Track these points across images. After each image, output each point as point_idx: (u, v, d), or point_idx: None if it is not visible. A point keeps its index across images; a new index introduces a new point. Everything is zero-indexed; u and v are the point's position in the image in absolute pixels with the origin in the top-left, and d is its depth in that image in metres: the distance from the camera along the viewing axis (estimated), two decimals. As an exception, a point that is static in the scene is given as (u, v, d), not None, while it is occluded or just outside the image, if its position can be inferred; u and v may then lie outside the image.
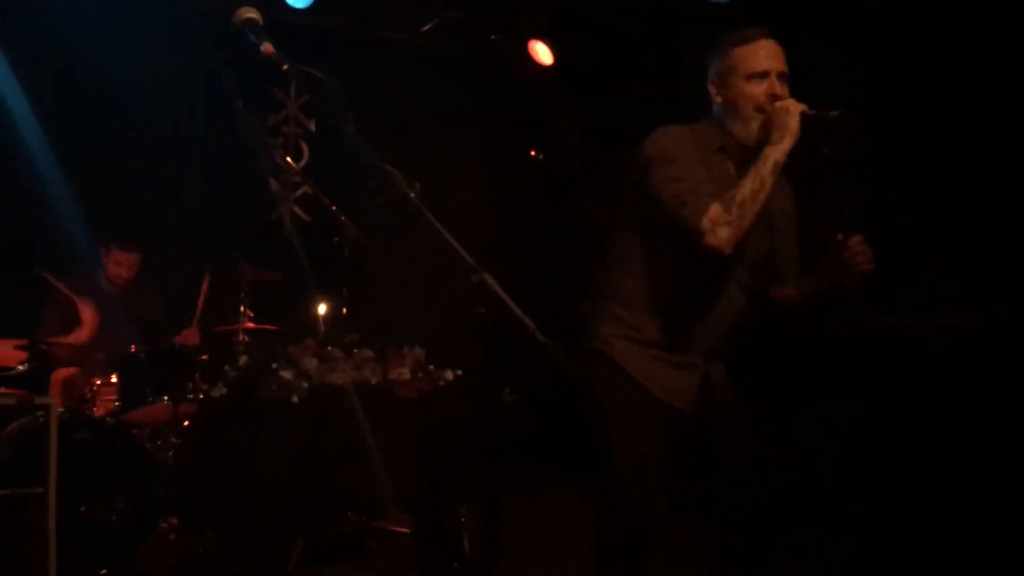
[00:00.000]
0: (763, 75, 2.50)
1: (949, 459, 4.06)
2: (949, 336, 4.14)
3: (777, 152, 2.40)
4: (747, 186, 2.39)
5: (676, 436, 2.56)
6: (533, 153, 6.73)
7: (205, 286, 4.94)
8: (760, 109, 2.48)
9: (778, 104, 2.46)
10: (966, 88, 4.27)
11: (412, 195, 1.97)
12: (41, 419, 3.51)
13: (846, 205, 2.69)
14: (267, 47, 2.04)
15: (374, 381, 4.28)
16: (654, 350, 2.57)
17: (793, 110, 2.42)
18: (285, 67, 2.04)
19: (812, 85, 2.58)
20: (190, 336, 4.80)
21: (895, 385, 4.25)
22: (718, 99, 2.58)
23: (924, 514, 4.08)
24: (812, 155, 2.43)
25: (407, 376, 4.34)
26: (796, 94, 2.50)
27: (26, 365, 3.91)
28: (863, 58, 4.55)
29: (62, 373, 4.44)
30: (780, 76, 2.51)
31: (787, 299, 2.70)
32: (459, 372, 4.45)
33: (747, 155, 2.49)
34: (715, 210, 2.38)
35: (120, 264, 4.83)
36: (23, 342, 3.92)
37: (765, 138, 2.45)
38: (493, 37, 6.22)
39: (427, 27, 6.08)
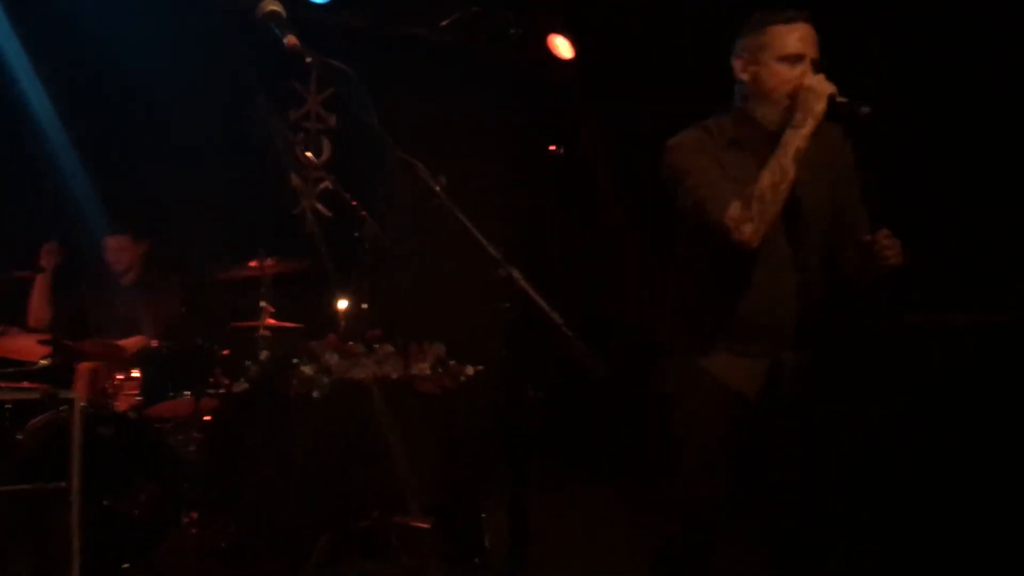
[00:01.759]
0: (798, 58, 2.41)
1: (989, 457, 4.00)
2: (988, 331, 4.07)
3: (798, 138, 2.34)
4: (766, 178, 2.34)
5: (745, 425, 2.51)
6: (553, 148, 6.70)
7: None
8: (791, 96, 2.40)
9: (807, 81, 2.37)
10: (997, 76, 4.20)
11: (438, 188, 1.96)
12: (65, 413, 3.54)
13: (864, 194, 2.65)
14: (290, 39, 2.03)
15: (395, 376, 4.27)
16: (722, 342, 2.52)
17: (821, 91, 2.34)
18: (308, 59, 2.03)
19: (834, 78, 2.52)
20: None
21: (933, 383, 4.20)
22: (744, 76, 2.49)
23: (961, 512, 4.02)
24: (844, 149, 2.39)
25: (428, 371, 4.33)
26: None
27: (49, 360, 3.92)
28: (886, 52, 4.50)
29: (87, 365, 4.46)
30: (813, 63, 2.43)
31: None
32: (480, 368, 4.44)
33: (767, 139, 2.43)
34: (735, 208, 2.35)
35: (111, 250, 4.85)
36: (47, 336, 3.94)
37: (788, 119, 2.38)
38: (512, 32, 6.19)
39: (446, 22, 6.06)
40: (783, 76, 2.42)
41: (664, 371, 2.61)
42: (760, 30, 2.46)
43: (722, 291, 2.52)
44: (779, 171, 2.34)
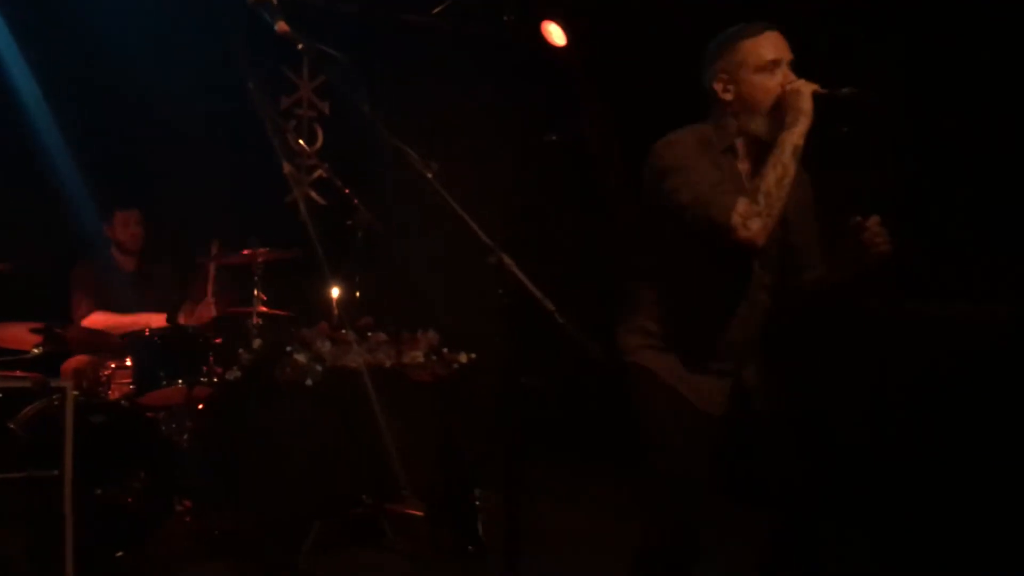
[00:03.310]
0: (775, 64, 2.45)
1: (990, 450, 4.00)
2: (989, 324, 4.08)
3: (794, 136, 2.36)
4: (770, 175, 2.35)
5: (715, 442, 2.53)
6: (550, 137, 6.69)
7: (212, 268, 4.93)
8: (777, 102, 2.43)
9: (789, 87, 2.41)
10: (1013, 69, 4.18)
11: (429, 174, 1.95)
12: (57, 402, 3.53)
13: (865, 186, 2.65)
14: (281, 25, 2.01)
15: (388, 364, 4.27)
16: (682, 358, 2.53)
17: (805, 91, 2.38)
18: (300, 46, 2.02)
19: (850, 69, 2.52)
20: (206, 309, 4.79)
21: (933, 374, 4.20)
22: (727, 96, 2.50)
23: (963, 505, 4.03)
24: (831, 136, 2.39)
25: (421, 359, 4.33)
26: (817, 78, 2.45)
27: (41, 348, 3.91)
28: (903, 40, 4.47)
29: (72, 363, 4.46)
30: (789, 65, 2.46)
31: (815, 284, 2.63)
32: (473, 355, 4.44)
33: (764, 151, 2.44)
34: (743, 204, 2.34)
35: (125, 224, 4.86)
36: (39, 325, 3.92)
37: (780, 125, 2.40)
38: (506, 18, 6.17)
39: (440, 8, 6.03)
40: (766, 85, 2.45)
41: (630, 380, 2.60)
42: (731, 49, 2.49)
43: (685, 304, 2.54)
44: (780, 167, 2.35)
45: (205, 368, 4.36)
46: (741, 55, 2.47)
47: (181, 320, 4.56)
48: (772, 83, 2.44)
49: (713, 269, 2.47)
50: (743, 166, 2.53)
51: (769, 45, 2.46)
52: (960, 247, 4.27)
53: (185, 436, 4.35)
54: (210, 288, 4.86)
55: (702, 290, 2.52)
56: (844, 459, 4.20)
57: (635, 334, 2.60)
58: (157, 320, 4.54)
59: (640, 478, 2.57)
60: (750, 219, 2.33)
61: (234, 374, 4.25)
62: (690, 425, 2.50)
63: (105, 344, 4.39)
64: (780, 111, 2.42)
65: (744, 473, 2.64)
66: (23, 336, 3.90)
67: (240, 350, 4.31)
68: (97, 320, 4.66)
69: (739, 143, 2.53)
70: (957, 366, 4.09)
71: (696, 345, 2.53)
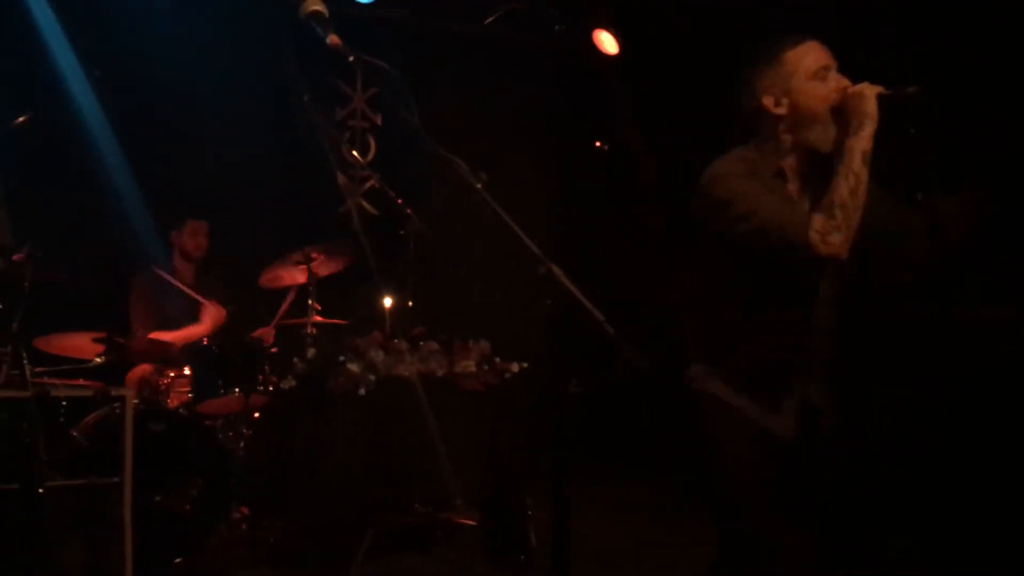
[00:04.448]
0: (826, 69, 2.38)
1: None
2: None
3: (861, 141, 2.28)
4: (843, 186, 2.27)
5: (783, 466, 2.46)
6: (598, 144, 6.66)
7: (291, 295, 5.03)
8: (835, 109, 2.35)
9: (851, 90, 2.33)
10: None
11: (478, 185, 1.95)
12: (117, 410, 3.60)
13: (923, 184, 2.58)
14: (333, 38, 2.03)
15: (440, 373, 4.29)
16: (748, 383, 2.47)
17: (868, 93, 2.29)
18: (351, 58, 2.03)
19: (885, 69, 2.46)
20: (266, 335, 4.87)
21: (982, 377, 4.09)
22: (780, 111, 2.42)
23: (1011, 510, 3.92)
24: (899, 139, 2.32)
25: (473, 368, 4.34)
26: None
27: (103, 357, 3.99)
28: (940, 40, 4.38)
29: (138, 372, 4.54)
30: (836, 70, 2.40)
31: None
32: (525, 364, 4.43)
33: (816, 166, 2.39)
34: (818, 220, 2.27)
35: (195, 233, 4.96)
36: (100, 335, 4.01)
37: (843, 132, 2.33)
38: (558, 28, 6.17)
39: (491, 19, 6.06)
40: (820, 93, 2.37)
41: (697, 409, 2.55)
42: (775, 62, 2.41)
43: (747, 332, 2.48)
44: (852, 176, 2.28)
45: (261, 377, 4.42)
46: (790, 66, 2.39)
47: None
48: (826, 90, 2.37)
49: (775, 290, 2.41)
50: (793, 187, 2.45)
51: (814, 53, 2.40)
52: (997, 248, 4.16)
53: (241, 444, 4.42)
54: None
55: (764, 312, 2.45)
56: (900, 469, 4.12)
57: (703, 362, 2.55)
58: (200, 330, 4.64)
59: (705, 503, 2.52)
60: (829, 234, 2.25)
61: (289, 383, 4.30)
62: (757, 451, 2.44)
63: (165, 354, 4.48)
64: (840, 118, 2.35)
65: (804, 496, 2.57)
66: (85, 345, 3.99)
67: (295, 359, 4.36)
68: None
69: (787, 164, 2.45)
70: (1003, 373, 3.99)
71: (761, 368, 2.46)
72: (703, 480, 2.54)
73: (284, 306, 5.04)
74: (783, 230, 2.30)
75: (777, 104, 2.42)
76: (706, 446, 2.54)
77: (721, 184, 2.41)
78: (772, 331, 2.46)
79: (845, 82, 2.38)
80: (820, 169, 2.38)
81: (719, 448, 2.50)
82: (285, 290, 5.13)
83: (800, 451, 2.46)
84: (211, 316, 4.72)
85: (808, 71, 2.38)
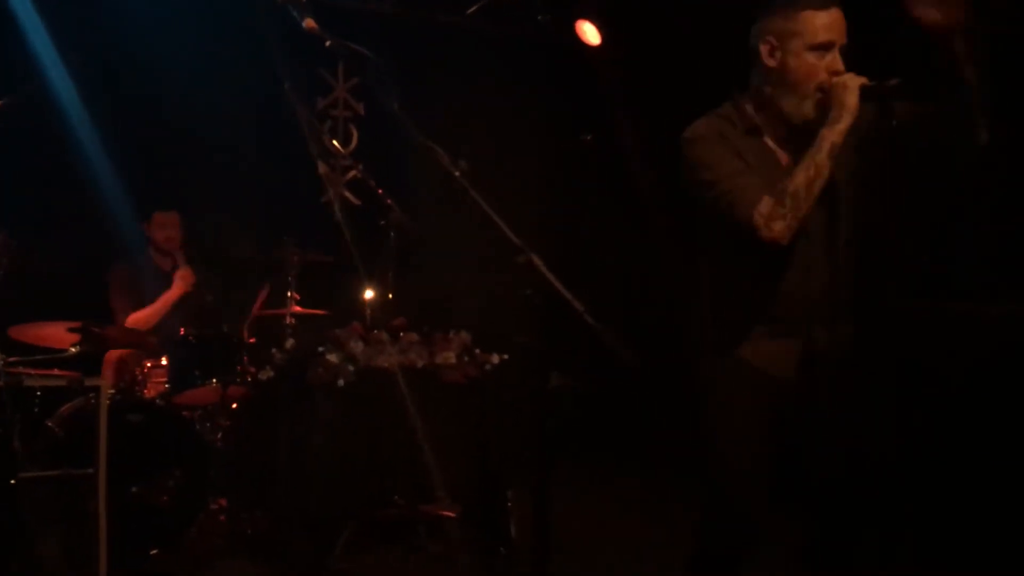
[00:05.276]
0: (827, 47, 2.33)
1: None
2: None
3: (834, 133, 2.28)
4: (800, 176, 2.28)
5: (785, 411, 2.43)
6: (585, 137, 6.64)
7: (265, 293, 4.97)
8: (821, 88, 2.33)
9: (836, 79, 2.31)
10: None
11: (457, 173, 1.92)
12: (92, 400, 3.56)
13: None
14: (309, 23, 2.00)
15: (420, 365, 4.26)
16: (754, 329, 2.44)
17: (852, 84, 2.28)
18: (328, 43, 2.01)
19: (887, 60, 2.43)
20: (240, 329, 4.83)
21: (974, 374, 4.10)
22: (770, 62, 2.38)
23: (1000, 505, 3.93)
24: (882, 131, 2.30)
25: (453, 360, 4.32)
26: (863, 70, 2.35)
27: (78, 347, 3.94)
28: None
29: (115, 354, 4.50)
30: (841, 50, 2.35)
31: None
32: (506, 356, 4.42)
33: (790, 131, 2.39)
34: (766, 204, 2.28)
35: (164, 225, 4.87)
36: (76, 324, 3.96)
37: (820, 118, 2.31)
38: (540, 18, 6.14)
39: (474, 8, 6.02)
40: (813, 66, 2.33)
41: (702, 369, 2.54)
42: (790, 15, 2.36)
43: (752, 277, 2.45)
44: (814, 168, 2.28)
45: (239, 368, 4.39)
46: (798, 25, 2.33)
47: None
48: (820, 65, 2.33)
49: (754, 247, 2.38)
50: (770, 139, 2.44)
51: (829, 24, 2.33)
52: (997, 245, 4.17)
53: (219, 435, 4.38)
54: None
55: (768, 258, 2.39)
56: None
57: (706, 321, 2.54)
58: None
59: (691, 469, 2.50)
60: (773, 220, 2.27)
61: (267, 374, 4.28)
62: (764, 401, 2.42)
63: (142, 343, 4.43)
64: (820, 99, 2.33)
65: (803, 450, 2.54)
66: (60, 335, 3.94)
67: (273, 350, 4.33)
68: (137, 319, 4.70)
69: (762, 118, 2.44)
70: (991, 367, 4.00)
71: (768, 310, 2.43)
72: (700, 433, 2.52)
73: (258, 303, 4.97)
74: (732, 207, 2.33)
75: (770, 55, 2.40)
76: (705, 398, 2.52)
77: (691, 148, 2.44)
78: (766, 272, 2.42)
79: (839, 66, 2.34)
80: (793, 133, 2.38)
81: (719, 398, 2.49)
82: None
83: (799, 391, 2.42)
84: (181, 278, 4.69)
85: (812, 40, 2.33)
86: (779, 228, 2.27)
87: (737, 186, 2.34)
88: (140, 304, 4.72)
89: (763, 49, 2.41)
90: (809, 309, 2.43)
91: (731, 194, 2.34)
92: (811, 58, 2.34)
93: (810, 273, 2.42)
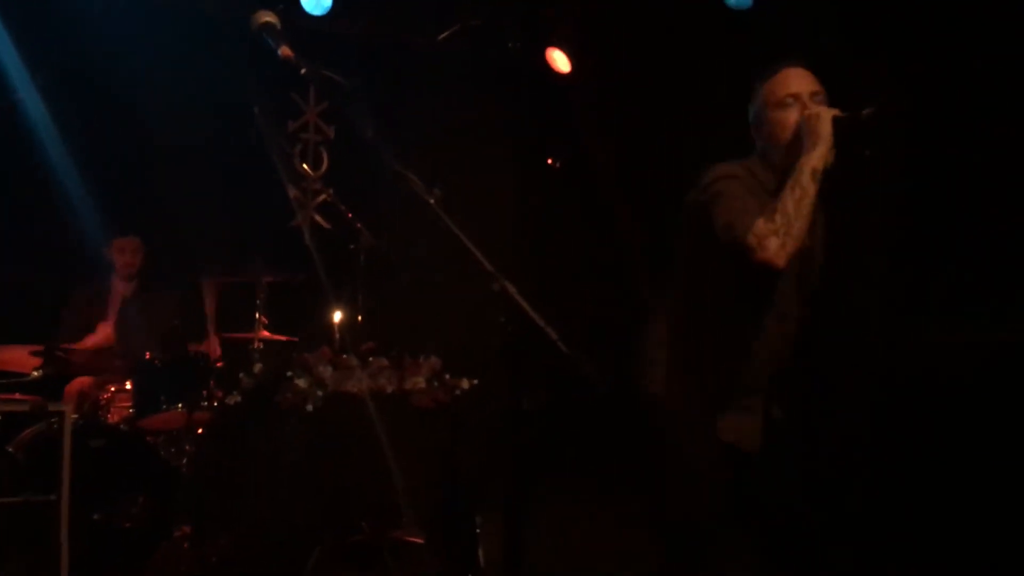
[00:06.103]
0: (793, 98, 2.46)
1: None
2: (995, 349, 4.04)
3: (812, 159, 2.35)
4: (787, 196, 2.34)
5: (740, 479, 2.50)
6: (551, 162, 6.68)
7: (213, 303, 4.90)
8: (799, 133, 2.43)
9: (807, 112, 2.41)
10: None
11: (431, 200, 1.93)
12: (55, 425, 3.51)
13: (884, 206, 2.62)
14: (284, 50, 2.00)
15: (390, 390, 4.24)
16: (714, 394, 2.51)
17: (824, 115, 2.37)
18: (303, 71, 2.01)
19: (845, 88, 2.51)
20: (211, 347, 4.78)
21: (941, 403, 4.16)
22: (759, 141, 2.55)
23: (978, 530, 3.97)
24: (855, 161, 2.36)
25: (423, 385, 4.30)
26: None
27: (41, 371, 3.90)
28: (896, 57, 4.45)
29: (76, 385, 4.44)
30: (813, 96, 2.46)
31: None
32: (475, 381, 4.41)
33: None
34: (759, 224, 2.33)
35: (123, 251, 4.84)
36: (39, 348, 3.91)
37: (800, 152, 2.40)
38: (511, 45, 6.19)
39: (445, 34, 6.06)
40: (784, 121, 2.47)
41: (666, 429, 2.57)
42: (756, 93, 2.55)
43: (731, 345, 2.52)
44: (798, 188, 2.34)
45: (205, 392, 4.34)
46: (763, 97, 2.52)
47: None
48: (791, 118, 2.45)
49: (740, 300, 2.47)
50: None
51: (786, 81, 2.49)
52: (969, 263, 4.23)
53: (184, 460, 4.32)
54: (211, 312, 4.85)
55: (730, 323, 2.50)
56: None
57: (669, 370, 2.58)
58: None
59: (656, 517, 2.53)
60: (766, 238, 2.30)
61: (234, 399, 4.23)
62: (717, 460, 2.48)
63: (106, 367, 4.38)
64: (801, 140, 2.42)
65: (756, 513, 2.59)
66: (23, 359, 3.89)
67: (241, 374, 4.29)
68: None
69: (766, 177, 2.53)
70: (957, 396, 4.06)
71: (729, 380, 2.51)
72: (659, 494, 2.55)
73: (211, 311, 4.89)
74: (732, 228, 2.38)
75: (756, 133, 2.56)
76: (668, 461, 2.55)
77: (712, 180, 2.50)
78: (739, 340, 2.50)
79: (811, 107, 2.44)
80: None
81: (683, 463, 2.53)
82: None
83: (762, 464, 2.50)
84: (101, 333, 4.63)
85: (775, 101, 2.48)
86: (773, 246, 2.30)
87: (742, 211, 2.39)
88: (90, 329, 4.67)
89: (752, 131, 2.58)
90: (771, 386, 2.53)
91: (734, 217, 2.39)
92: (780, 115, 2.48)
93: (783, 348, 2.53)
